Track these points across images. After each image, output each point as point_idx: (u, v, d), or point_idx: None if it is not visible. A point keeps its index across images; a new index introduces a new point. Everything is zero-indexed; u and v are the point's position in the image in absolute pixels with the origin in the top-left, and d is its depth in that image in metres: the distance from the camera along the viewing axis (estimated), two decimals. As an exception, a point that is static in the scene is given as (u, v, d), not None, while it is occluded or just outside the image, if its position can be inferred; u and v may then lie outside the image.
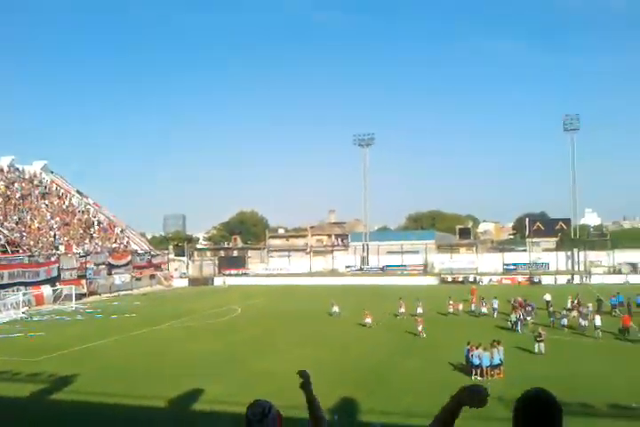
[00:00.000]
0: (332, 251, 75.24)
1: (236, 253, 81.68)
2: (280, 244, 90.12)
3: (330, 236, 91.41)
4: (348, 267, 68.48)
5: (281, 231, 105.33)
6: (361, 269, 67.26)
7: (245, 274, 68.02)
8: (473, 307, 34.22)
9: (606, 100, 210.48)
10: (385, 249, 68.57)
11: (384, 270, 65.63)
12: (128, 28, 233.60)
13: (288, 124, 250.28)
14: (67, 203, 64.80)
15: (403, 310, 32.87)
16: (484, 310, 32.86)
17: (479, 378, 18.47)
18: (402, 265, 66.04)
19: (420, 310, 32.72)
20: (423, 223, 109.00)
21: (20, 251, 47.52)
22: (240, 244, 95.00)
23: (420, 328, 26.56)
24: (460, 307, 33.92)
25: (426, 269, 65.04)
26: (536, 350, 21.78)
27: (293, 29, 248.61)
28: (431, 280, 58.68)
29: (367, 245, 70.57)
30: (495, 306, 32.42)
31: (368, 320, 29.41)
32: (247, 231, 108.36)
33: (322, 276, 64.49)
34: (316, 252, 76.71)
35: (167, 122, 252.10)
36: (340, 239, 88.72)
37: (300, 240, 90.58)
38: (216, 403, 15.93)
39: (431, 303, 36.43)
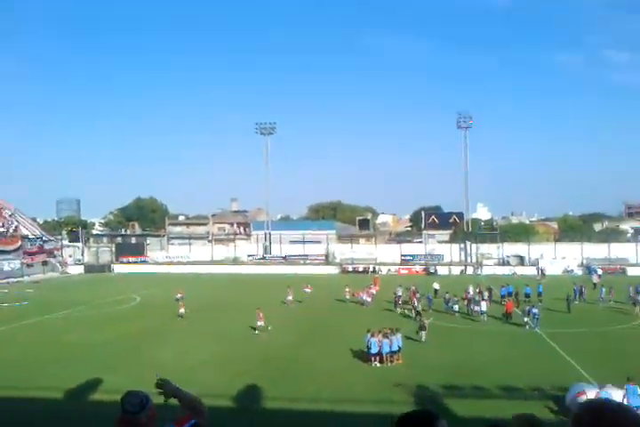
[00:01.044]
0: (234, 239, 74.74)
1: (134, 240, 79.33)
2: (180, 231, 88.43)
3: (232, 224, 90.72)
4: (250, 256, 68.33)
5: (181, 218, 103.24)
6: (263, 258, 67.32)
7: (144, 262, 66.32)
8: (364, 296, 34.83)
9: (499, 97, 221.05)
10: (287, 238, 68.91)
11: (286, 260, 66.05)
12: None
13: (190, 110, 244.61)
14: (-51, 183, 60.45)
15: (290, 297, 33.72)
16: (365, 297, 34.16)
17: (378, 364, 19.20)
18: (304, 255, 66.72)
19: (289, 298, 33.71)
20: (324, 214, 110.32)
21: None
22: (138, 230, 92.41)
23: (259, 323, 25.12)
24: (363, 295, 34.69)
25: (327, 259, 66.14)
26: (423, 339, 22.76)
27: (191, 14, 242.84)
28: (332, 270, 59.86)
29: (269, 234, 70.56)
30: (399, 293, 33.40)
31: (181, 311, 29.28)
32: (145, 218, 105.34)
33: (223, 264, 64.05)
34: (218, 240, 75.95)
35: (58, 95, 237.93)
36: (242, 228, 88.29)
37: (201, 228, 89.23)
38: (114, 393, 15.54)
39: (331, 291, 37.43)
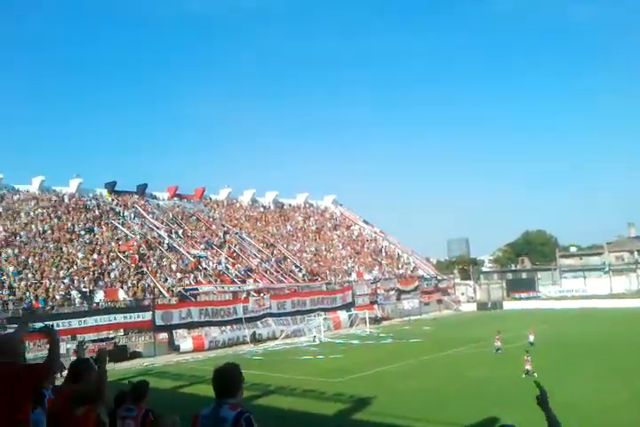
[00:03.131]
0: (635, 269, 67.56)
1: (524, 275, 78.21)
2: (573, 263, 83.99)
3: (631, 252, 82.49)
4: (656, 287, 60.78)
5: (573, 250, 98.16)
6: (674, 290, 59.12)
7: (536, 297, 64.59)
8: None
9: None
10: None
11: None
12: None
13: (573, 134, 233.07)
14: (355, 233, 69.32)
15: None
16: None
17: None
18: None
19: None
20: None
21: (319, 279, 51.98)
22: (528, 265, 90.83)
23: (527, 367, 22.76)
24: None
25: None
26: None
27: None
28: None
29: (679, 261, 61.98)
30: None
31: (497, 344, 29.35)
32: (535, 251, 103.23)
33: (624, 298, 58.00)
34: (616, 270, 69.52)
35: (433, 152, 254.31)
36: (644, 256, 79.62)
37: (595, 258, 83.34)
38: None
39: None
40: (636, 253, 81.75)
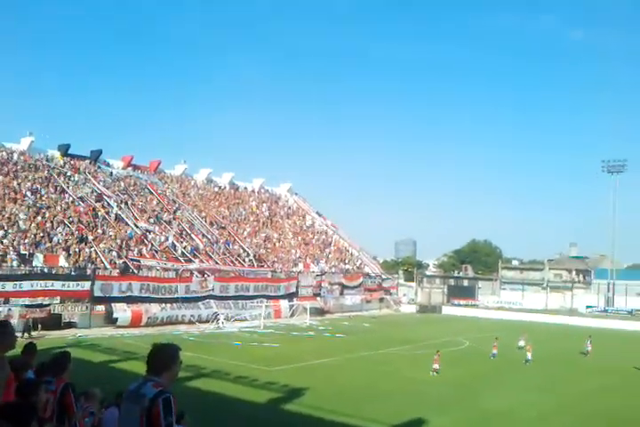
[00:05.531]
0: (571, 288, 69.63)
1: (465, 283, 79.72)
2: (513, 276, 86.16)
3: (570, 271, 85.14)
4: (589, 307, 62.67)
5: (515, 263, 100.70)
6: (605, 311, 61.12)
7: (474, 305, 65.85)
8: None
9: None
10: (635, 290, 61.64)
11: (632, 314, 58.79)
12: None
13: (526, 152, 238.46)
14: (307, 223, 69.17)
15: (589, 348, 32.83)
16: None
17: None
18: (655, 310, 58.74)
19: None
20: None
21: (265, 266, 51.67)
22: (471, 273, 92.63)
23: (435, 365, 24.73)
24: None
25: (686, 317, 57.09)
26: None
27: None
28: (691, 330, 51.04)
29: (613, 283, 64.08)
30: None
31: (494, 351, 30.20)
32: (479, 261, 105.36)
33: (558, 314, 59.70)
34: (554, 287, 71.56)
35: (394, 152, 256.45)
36: (581, 275, 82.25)
37: (535, 273, 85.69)
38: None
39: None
40: (574, 272, 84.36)
